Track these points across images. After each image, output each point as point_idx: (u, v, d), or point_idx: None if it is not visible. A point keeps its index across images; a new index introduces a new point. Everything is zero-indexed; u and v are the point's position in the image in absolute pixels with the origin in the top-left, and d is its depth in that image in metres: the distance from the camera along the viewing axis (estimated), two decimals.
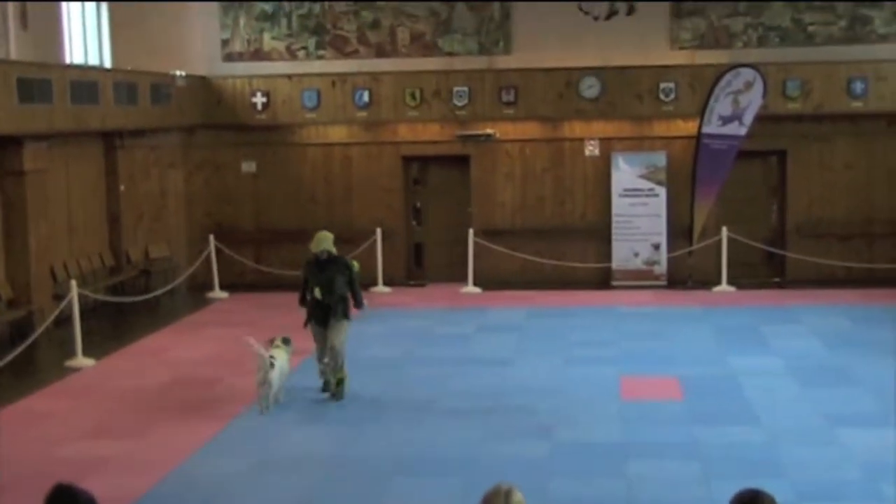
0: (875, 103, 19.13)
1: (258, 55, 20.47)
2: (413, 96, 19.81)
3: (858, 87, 19.09)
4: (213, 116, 20.16)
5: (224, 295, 19.28)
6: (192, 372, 13.62)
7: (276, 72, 20.20)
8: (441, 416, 11.33)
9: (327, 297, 11.89)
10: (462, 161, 20.30)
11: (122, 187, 18.65)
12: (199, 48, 20.44)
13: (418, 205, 20.93)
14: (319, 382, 12.33)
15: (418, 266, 20.94)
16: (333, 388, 12.12)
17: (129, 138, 18.76)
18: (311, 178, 20.50)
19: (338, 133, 20.43)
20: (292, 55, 20.44)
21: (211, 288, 19.42)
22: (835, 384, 12.29)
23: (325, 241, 12.00)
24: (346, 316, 12.02)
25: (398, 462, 9.89)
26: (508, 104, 19.73)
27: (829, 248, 19.56)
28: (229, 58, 20.51)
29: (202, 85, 20.07)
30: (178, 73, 19.33)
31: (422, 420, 11.20)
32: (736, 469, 9.35)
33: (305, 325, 12.20)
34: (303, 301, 12.21)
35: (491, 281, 19.63)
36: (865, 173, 19.61)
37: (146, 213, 19.55)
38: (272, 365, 11.57)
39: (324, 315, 11.96)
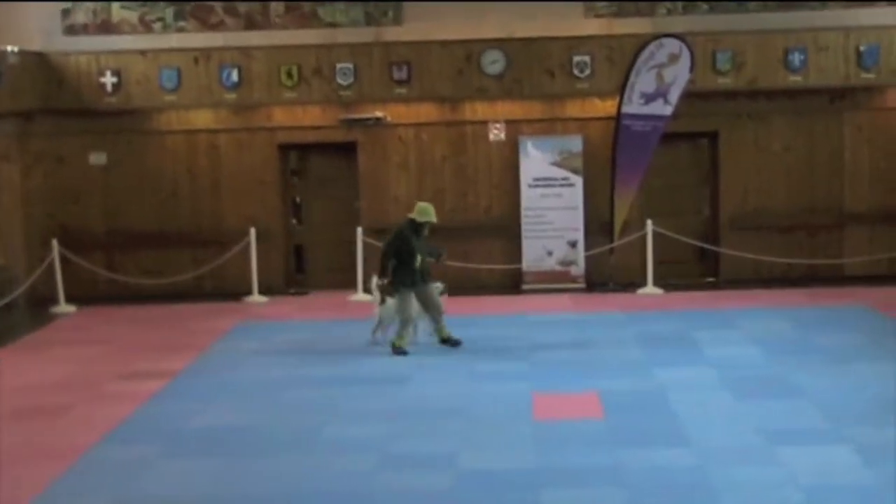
0: (815, 77, 19.60)
1: (106, 27, 20.24)
2: (290, 75, 19.77)
3: (797, 58, 19.54)
4: (53, 100, 19.89)
5: (71, 309, 19.06)
6: (35, 401, 13.45)
7: (128, 47, 20.01)
8: (328, 445, 11.35)
9: (422, 264, 15.04)
10: (348, 149, 20.32)
11: None
12: (33, 19, 20.13)
13: (298, 200, 20.90)
14: (432, 339, 15.42)
15: (299, 271, 20.91)
16: (451, 338, 15.36)
17: None
18: (171, 172, 20.35)
19: (202, 118, 20.32)
20: (147, 27, 20.25)
21: (55, 301, 19.19)
22: (775, 397, 12.56)
23: (431, 213, 15.11)
24: (430, 278, 15.29)
25: (280, 499, 9.88)
26: (400, 83, 19.80)
27: (768, 243, 19.99)
28: (71, 30, 20.25)
29: (39, 63, 19.77)
30: (8, 48, 18.99)
31: (306, 450, 11.20)
32: (664, 495, 9.52)
33: (391, 294, 15.17)
34: (385, 271, 15.04)
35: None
36: (806, 156, 20.10)
37: None
38: (382, 301, 15.26)
39: (413, 280, 14.99)
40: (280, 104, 20.06)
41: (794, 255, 19.87)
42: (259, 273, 19.63)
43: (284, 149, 20.53)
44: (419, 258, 15.02)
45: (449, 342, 15.40)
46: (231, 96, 19.93)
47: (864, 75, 19.58)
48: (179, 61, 19.90)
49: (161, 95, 19.94)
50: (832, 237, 20.12)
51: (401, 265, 15.07)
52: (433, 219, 15.18)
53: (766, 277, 19.81)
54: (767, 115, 20.09)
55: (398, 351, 15.15)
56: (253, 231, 19.63)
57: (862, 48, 19.46)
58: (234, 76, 19.80)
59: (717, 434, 11.24)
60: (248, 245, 19.58)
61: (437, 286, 15.54)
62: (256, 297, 19.56)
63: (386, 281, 15.17)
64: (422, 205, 15.41)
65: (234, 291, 19.91)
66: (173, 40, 20.14)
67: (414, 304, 15.23)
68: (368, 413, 12.46)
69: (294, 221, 20.93)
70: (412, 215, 15.27)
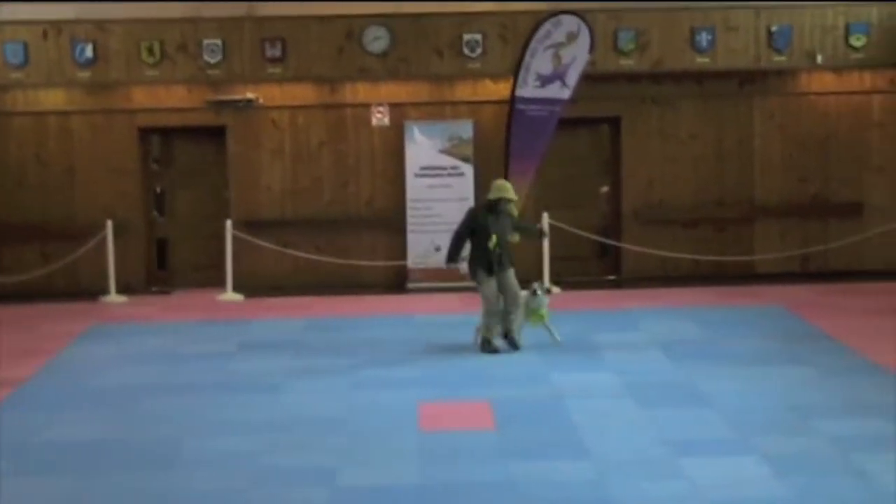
0: (724, 59, 19.91)
1: None
2: (151, 51, 19.61)
3: (704, 39, 19.83)
4: None
5: None
6: None
7: None
8: (193, 460, 11.24)
9: (499, 247, 14.94)
10: (216, 133, 20.22)
11: None
12: None
13: (160, 190, 20.74)
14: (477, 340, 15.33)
15: (162, 268, 20.75)
16: (516, 338, 15.19)
17: None
18: (17, 158, 20.09)
19: (53, 99, 20.07)
20: None
21: None
22: (680, 404, 12.70)
23: (506, 190, 15.06)
24: (512, 263, 15.14)
25: None
26: (274, 61, 19.75)
27: (674, 238, 20.26)
28: None
29: None
30: None
31: (168, 465, 11.09)
32: None
33: (474, 279, 15.16)
34: (455, 256, 15.15)
35: (256, 285, 19.61)
36: (714, 145, 20.41)
37: None
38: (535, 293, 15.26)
39: (490, 265, 14.94)
40: (140, 84, 19.87)
41: (701, 251, 20.14)
42: (117, 270, 19.43)
43: (145, 133, 20.36)
44: (494, 239, 14.95)
45: (510, 342, 15.27)
46: (85, 74, 19.70)
47: (776, 58, 19.94)
48: (26, 35, 19.63)
49: (5, 73, 19.67)
50: (742, 232, 20.45)
51: (478, 248, 15.08)
52: (507, 194, 15.08)
53: (671, 275, 20.06)
54: (673, 100, 20.35)
55: (487, 346, 15.19)
56: (110, 224, 19.42)
57: (773, 29, 19.81)
58: (89, 52, 19.59)
59: (618, 445, 11.33)
60: (104, 239, 19.37)
61: (545, 286, 15.74)
62: (114, 297, 19.37)
63: (456, 265, 15.29)
64: (496, 181, 15.45)
65: (88, 290, 19.70)
66: (19, 11, 19.83)
67: (493, 293, 15.13)
68: (239, 424, 12.36)
69: (156, 213, 20.77)
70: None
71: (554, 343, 15.30)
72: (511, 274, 15.12)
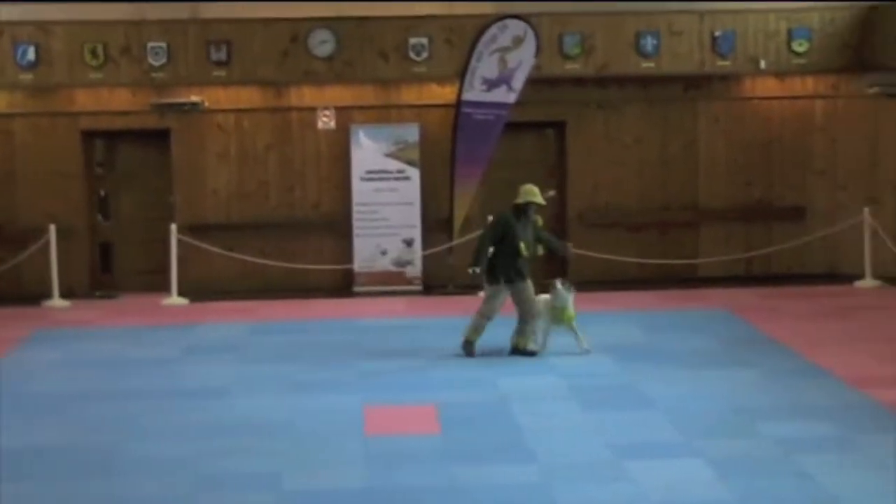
0: (669, 63, 20.00)
1: None
2: (94, 54, 19.49)
3: (649, 43, 19.91)
4: None
5: None
6: None
7: None
8: (135, 466, 11.17)
9: (528, 255, 14.81)
10: (161, 137, 20.14)
11: None
12: None
13: (104, 193, 20.62)
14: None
15: (106, 272, 20.63)
16: (538, 346, 15.04)
17: None
18: None
19: None
20: None
21: None
22: (625, 408, 12.75)
23: (535, 194, 14.86)
24: (529, 274, 14.89)
25: None
26: (219, 64, 19.67)
27: (619, 242, 20.34)
28: None
29: None
30: None
31: (110, 472, 11.02)
32: None
33: (487, 283, 14.89)
34: (482, 260, 14.74)
35: (201, 290, 19.53)
36: (659, 149, 20.51)
37: None
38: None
39: (511, 273, 14.73)
40: (84, 86, 19.75)
41: (646, 254, 20.23)
42: (60, 274, 19.29)
43: (89, 136, 20.25)
44: (524, 246, 14.74)
45: (524, 352, 15.06)
46: (27, 77, 19.56)
47: (720, 62, 20.05)
48: None
49: None
50: (686, 235, 20.55)
51: (501, 255, 14.80)
52: (536, 199, 14.83)
53: (616, 278, 20.12)
54: (618, 104, 20.44)
55: (468, 349, 15.08)
56: (53, 228, 19.29)
57: (717, 34, 19.92)
58: (31, 54, 19.44)
59: (563, 449, 11.35)
60: (47, 243, 19.23)
61: (567, 283, 15.13)
62: (57, 301, 19.23)
63: (479, 270, 14.85)
64: (524, 185, 15.11)
65: (31, 295, 19.55)
66: None
67: (500, 303, 14.97)
68: (183, 429, 12.30)
69: (100, 217, 20.64)
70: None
71: (582, 351, 15.03)
72: (529, 285, 14.94)
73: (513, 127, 19.60)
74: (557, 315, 15.01)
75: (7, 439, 12.03)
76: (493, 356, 15.12)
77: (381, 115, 20.21)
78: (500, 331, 15.25)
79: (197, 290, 19.52)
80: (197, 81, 19.81)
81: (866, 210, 19.66)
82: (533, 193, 14.86)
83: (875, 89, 19.70)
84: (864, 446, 11.10)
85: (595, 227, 20.37)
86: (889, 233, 19.47)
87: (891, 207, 20.05)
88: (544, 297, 15.05)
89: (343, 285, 20.06)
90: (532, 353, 15.00)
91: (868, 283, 19.64)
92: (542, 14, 19.65)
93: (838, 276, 20.26)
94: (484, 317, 15.01)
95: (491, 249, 14.84)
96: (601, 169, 20.44)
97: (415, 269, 19.94)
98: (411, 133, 19.95)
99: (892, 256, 19.35)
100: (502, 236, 14.79)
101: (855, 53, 20.00)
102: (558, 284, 15.06)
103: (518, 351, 15.05)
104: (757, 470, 10.48)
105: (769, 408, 12.52)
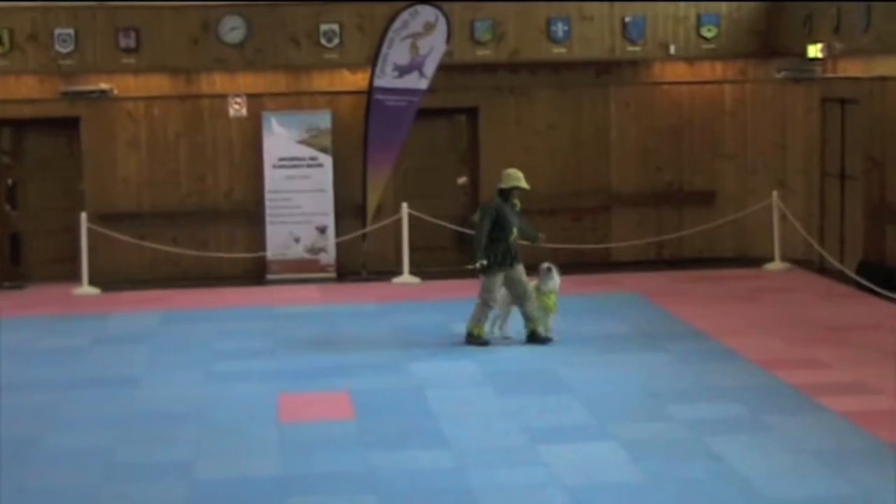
0: (580, 49, 20.08)
1: None
2: (0, 41, 19.23)
3: (560, 29, 19.98)
4: None
5: None
6: None
7: None
8: (47, 457, 11.09)
9: (514, 240, 14.78)
10: (70, 125, 19.94)
11: None
12: None
13: (12, 183, 20.39)
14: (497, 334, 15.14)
15: (15, 263, 20.40)
16: (545, 329, 14.94)
17: None
18: None
19: None
20: None
21: None
22: (538, 392, 12.85)
23: (520, 179, 14.79)
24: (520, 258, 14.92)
25: None
26: (128, 51, 19.50)
27: (532, 227, 20.33)
28: None
29: None
30: None
31: (21, 462, 10.93)
32: (420, 501, 9.62)
33: (485, 272, 14.73)
34: (482, 253, 14.63)
35: (112, 279, 19.38)
36: (571, 134, 20.59)
37: None
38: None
39: (505, 259, 14.69)
40: None
41: (559, 239, 20.24)
42: None
43: None
44: (515, 232, 14.78)
45: (538, 339, 14.94)
46: None
47: (630, 48, 20.16)
48: None
49: None
50: (598, 220, 20.67)
51: (496, 241, 14.72)
52: (521, 183, 14.76)
53: (529, 264, 20.16)
54: (530, 90, 20.50)
55: (476, 340, 14.96)
56: None
57: (627, 19, 20.02)
58: None
59: (477, 434, 11.42)
60: None
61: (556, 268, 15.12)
62: None
63: (486, 262, 14.68)
64: (508, 170, 15.09)
65: None
66: None
67: (501, 288, 14.90)
68: (93, 419, 12.25)
69: (8, 207, 20.38)
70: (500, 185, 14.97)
71: (546, 339, 14.95)
72: (522, 268, 14.93)
73: (425, 113, 19.60)
74: (544, 300, 14.98)
75: None
76: (407, 342, 15.16)
77: (293, 102, 20.13)
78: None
79: (108, 280, 19.35)
80: (106, 69, 19.62)
81: (775, 194, 19.88)
82: (518, 178, 14.81)
83: (783, 74, 19.93)
84: (773, 427, 11.28)
85: None
86: (797, 216, 19.71)
87: (799, 191, 20.30)
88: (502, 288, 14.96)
89: (256, 273, 19.97)
90: (547, 341, 14.92)
91: (777, 265, 19.87)
92: (453, 0, 19.65)
93: (748, 260, 20.46)
94: (487, 306, 14.97)
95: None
96: (514, 155, 20.42)
97: (328, 257, 19.89)
98: (323, 120, 19.90)
99: (801, 239, 19.59)
100: (496, 223, 14.75)
101: (763, 39, 20.21)
102: (550, 266, 15.12)
103: (534, 337, 14.96)
104: (669, 452, 10.60)
105: (681, 390, 12.67)
